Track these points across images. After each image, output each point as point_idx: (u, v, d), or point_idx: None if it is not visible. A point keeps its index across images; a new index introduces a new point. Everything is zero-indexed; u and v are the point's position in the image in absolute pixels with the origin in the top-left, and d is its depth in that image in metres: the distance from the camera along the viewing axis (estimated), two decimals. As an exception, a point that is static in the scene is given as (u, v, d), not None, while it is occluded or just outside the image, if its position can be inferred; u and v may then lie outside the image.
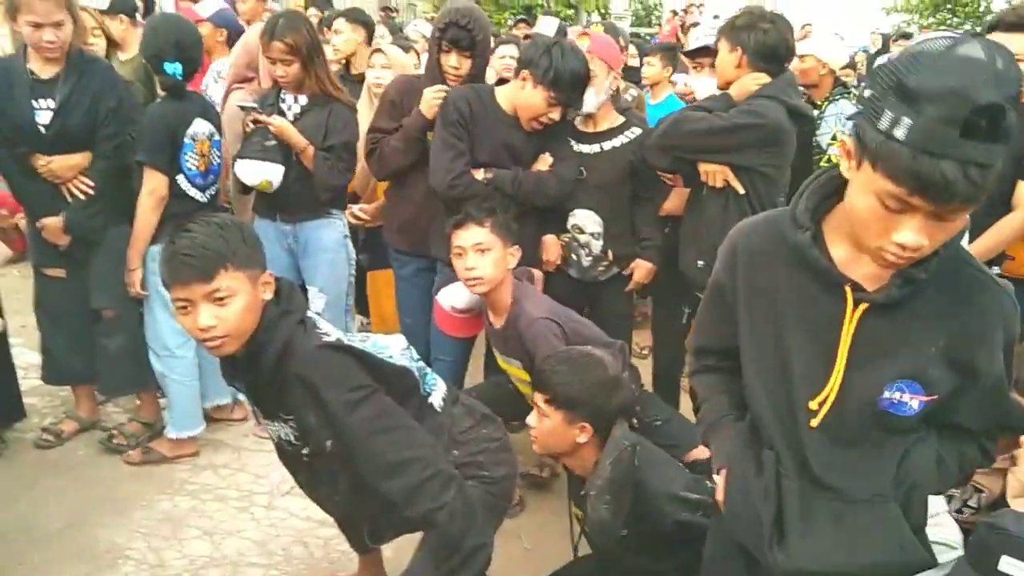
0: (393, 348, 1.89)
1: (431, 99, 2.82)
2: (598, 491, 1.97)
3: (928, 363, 1.26)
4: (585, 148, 2.95)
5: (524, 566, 2.67)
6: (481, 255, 2.46)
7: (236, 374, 1.78)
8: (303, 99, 3.17)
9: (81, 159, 2.97)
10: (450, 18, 2.80)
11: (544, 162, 2.85)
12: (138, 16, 4.36)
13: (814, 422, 1.31)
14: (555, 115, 2.75)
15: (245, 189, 3.28)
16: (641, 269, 3.01)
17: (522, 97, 2.74)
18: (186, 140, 2.94)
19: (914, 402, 1.27)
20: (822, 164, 3.69)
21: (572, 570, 2.48)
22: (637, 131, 2.95)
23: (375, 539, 2.02)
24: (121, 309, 3.12)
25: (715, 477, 1.50)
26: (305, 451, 1.82)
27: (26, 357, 3.70)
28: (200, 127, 2.99)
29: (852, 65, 6.98)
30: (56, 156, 2.93)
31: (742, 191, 2.65)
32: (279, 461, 2.09)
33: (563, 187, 2.84)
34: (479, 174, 2.75)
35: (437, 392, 1.97)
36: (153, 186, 2.95)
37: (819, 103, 3.69)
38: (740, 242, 1.41)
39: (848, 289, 1.25)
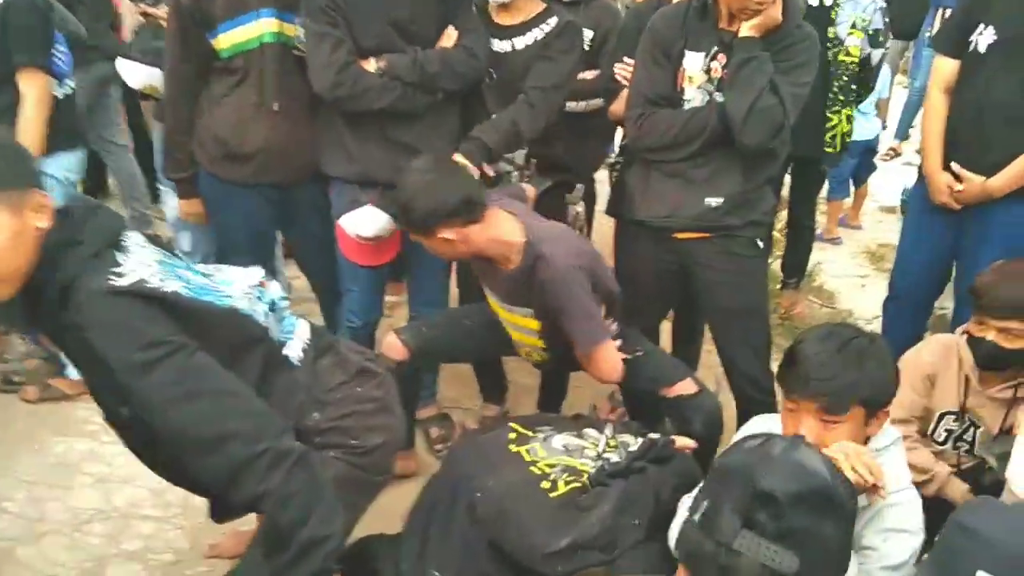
0: (239, 285, 1.52)
1: None
2: None
3: None
4: (497, 44, 2.43)
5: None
6: None
7: (25, 321, 1.42)
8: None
9: None
10: None
11: (449, 38, 2.35)
12: None
13: None
14: None
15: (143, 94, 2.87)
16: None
17: None
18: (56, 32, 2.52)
19: None
20: (840, 58, 3.23)
21: None
22: (553, 21, 2.40)
23: (220, 515, 1.68)
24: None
25: None
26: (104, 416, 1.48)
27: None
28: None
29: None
30: None
31: None
32: None
33: (475, 63, 2.34)
34: (370, 65, 2.27)
35: (296, 341, 1.60)
36: (43, 92, 2.53)
37: None
38: None
39: None
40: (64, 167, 2.69)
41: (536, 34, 2.41)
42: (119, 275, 1.31)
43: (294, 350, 1.59)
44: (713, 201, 2.20)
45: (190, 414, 1.31)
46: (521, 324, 2.24)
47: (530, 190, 2.44)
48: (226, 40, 2.32)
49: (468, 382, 3.02)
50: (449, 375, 2.99)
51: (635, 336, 2.31)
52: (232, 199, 2.49)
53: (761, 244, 2.32)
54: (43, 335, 1.46)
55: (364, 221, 2.35)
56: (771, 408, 2.20)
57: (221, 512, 1.63)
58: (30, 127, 2.49)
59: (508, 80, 2.42)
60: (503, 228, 2.08)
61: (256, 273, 1.61)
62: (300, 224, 2.63)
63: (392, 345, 2.26)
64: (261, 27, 2.32)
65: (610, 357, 2.12)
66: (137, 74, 2.67)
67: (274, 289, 1.63)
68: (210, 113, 2.42)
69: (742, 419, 2.26)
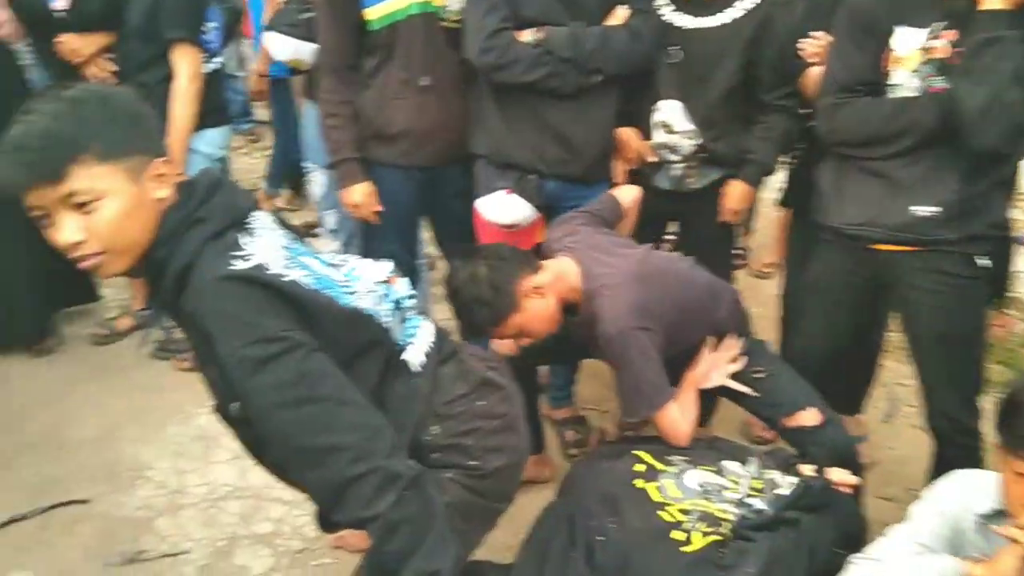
0: (365, 280, 1.41)
1: None
2: None
3: None
4: (685, 21, 2.19)
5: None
6: None
7: (149, 299, 1.35)
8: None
9: (102, 38, 2.62)
10: None
11: (616, 16, 2.13)
12: None
13: None
14: None
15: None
16: (734, 192, 2.28)
17: None
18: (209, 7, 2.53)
19: None
20: None
21: None
22: None
23: (327, 527, 1.55)
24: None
25: None
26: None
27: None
28: None
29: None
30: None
31: None
32: None
33: (639, 46, 2.11)
34: (526, 36, 2.08)
35: (418, 345, 1.46)
36: (195, 68, 2.56)
37: None
38: None
39: None
40: (211, 143, 2.72)
41: (734, 12, 2.15)
42: (241, 259, 1.21)
43: (415, 355, 1.45)
44: (923, 210, 1.83)
45: (298, 421, 1.20)
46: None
47: (628, 198, 2.20)
48: (375, 11, 2.22)
49: (609, 382, 2.83)
50: (588, 374, 2.82)
51: (761, 353, 2.07)
52: (378, 180, 2.40)
53: (984, 263, 1.90)
54: (166, 317, 1.40)
55: (499, 207, 2.22)
56: (974, 454, 1.86)
57: (328, 523, 1.52)
58: (183, 103, 2.52)
59: (697, 61, 2.18)
60: (567, 274, 1.92)
61: (385, 268, 1.49)
62: (443, 206, 2.53)
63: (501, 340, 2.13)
64: None
65: (669, 424, 1.86)
66: (284, 47, 2.64)
67: (402, 287, 1.50)
68: (361, 92, 2.34)
69: (941, 464, 1.93)
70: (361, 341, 1.36)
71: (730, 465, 1.71)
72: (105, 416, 2.70)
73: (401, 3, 2.21)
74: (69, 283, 3.06)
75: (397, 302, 1.47)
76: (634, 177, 2.34)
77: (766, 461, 1.75)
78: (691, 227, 2.41)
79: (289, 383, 1.19)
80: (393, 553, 1.23)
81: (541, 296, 1.86)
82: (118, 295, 3.44)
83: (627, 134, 2.27)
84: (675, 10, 2.18)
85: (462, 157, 2.39)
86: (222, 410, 1.36)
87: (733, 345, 2.03)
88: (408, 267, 2.51)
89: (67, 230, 1.16)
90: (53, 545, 2.17)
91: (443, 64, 2.27)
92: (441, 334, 1.56)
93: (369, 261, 1.51)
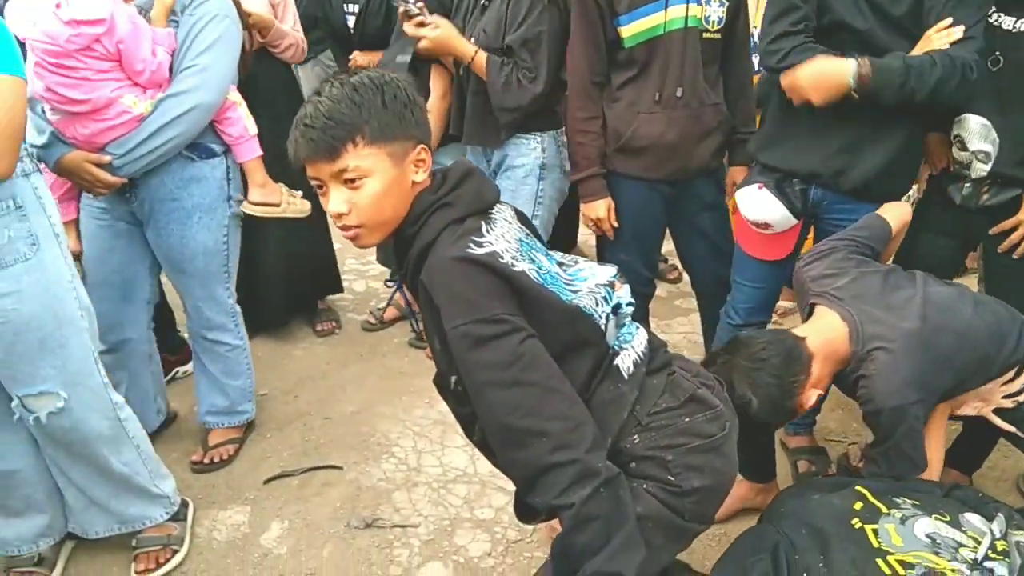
0: (589, 282, 1.45)
1: None
2: None
3: None
4: (1007, 21, 1.94)
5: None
6: None
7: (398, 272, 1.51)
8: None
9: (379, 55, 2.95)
10: None
11: (945, 34, 1.86)
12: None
13: None
14: None
15: None
16: None
17: None
18: None
19: None
20: None
21: None
22: None
23: (522, 515, 1.57)
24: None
25: None
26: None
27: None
28: None
29: None
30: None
31: None
32: None
33: (951, 76, 1.82)
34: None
35: (630, 351, 1.45)
36: (445, 89, 2.78)
37: None
38: None
39: None
40: (452, 157, 2.89)
41: None
42: (478, 244, 1.31)
43: (626, 361, 1.46)
44: None
45: (508, 401, 1.27)
46: None
47: (898, 219, 1.97)
48: (632, 28, 2.24)
49: (858, 416, 2.59)
50: (834, 403, 2.60)
51: None
52: (621, 192, 2.42)
53: None
54: (407, 288, 1.53)
55: (749, 201, 2.15)
56: None
57: (524, 513, 1.57)
58: (432, 117, 2.73)
59: (1019, 71, 1.93)
60: (836, 342, 1.75)
61: (609, 272, 1.53)
62: (689, 220, 2.49)
63: None
64: (668, 14, 2.20)
65: None
66: None
67: (623, 293, 1.52)
68: (607, 106, 2.37)
69: None
70: (575, 337, 1.40)
71: (972, 519, 1.48)
72: (364, 394, 3.00)
73: (659, 19, 2.21)
74: (313, 284, 3.42)
75: (616, 306, 1.49)
76: (933, 182, 2.19)
77: (1017, 520, 1.49)
78: (991, 246, 2.12)
79: (503, 364, 1.27)
80: (580, 545, 1.26)
81: (821, 392, 1.77)
82: (388, 289, 3.81)
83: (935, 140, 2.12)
84: (996, 9, 1.94)
85: (712, 170, 2.37)
86: (441, 381, 1.47)
87: (1013, 377, 1.77)
88: (641, 279, 2.50)
89: (335, 201, 1.34)
90: (307, 502, 2.45)
91: (697, 76, 2.25)
92: (655, 344, 1.55)
93: (594, 265, 1.54)
